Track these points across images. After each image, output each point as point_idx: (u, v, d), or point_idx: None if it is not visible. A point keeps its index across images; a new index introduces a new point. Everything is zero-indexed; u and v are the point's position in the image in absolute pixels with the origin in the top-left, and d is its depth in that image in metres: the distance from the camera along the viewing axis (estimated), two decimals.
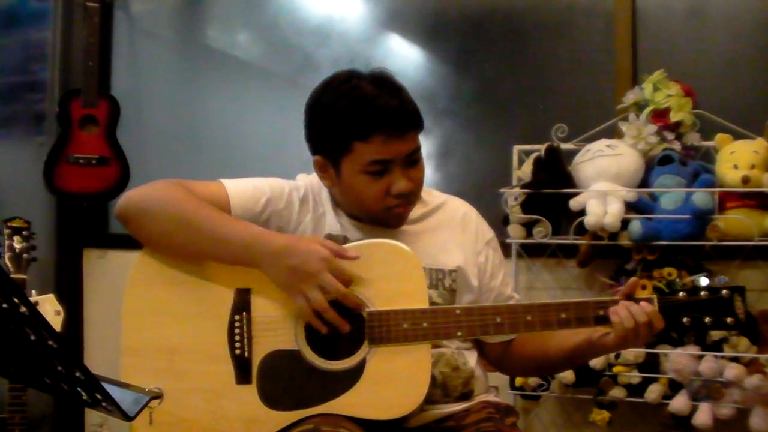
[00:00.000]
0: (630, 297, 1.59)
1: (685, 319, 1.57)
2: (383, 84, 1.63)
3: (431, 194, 1.81)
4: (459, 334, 1.59)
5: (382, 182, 1.62)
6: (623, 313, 1.55)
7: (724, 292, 1.58)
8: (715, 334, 2.25)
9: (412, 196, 1.67)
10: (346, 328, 1.55)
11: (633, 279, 1.63)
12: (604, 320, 1.58)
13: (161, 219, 1.61)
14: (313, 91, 1.68)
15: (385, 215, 1.67)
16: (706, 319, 1.57)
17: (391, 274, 1.58)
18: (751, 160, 2.27)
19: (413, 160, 1.65)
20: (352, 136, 1.59)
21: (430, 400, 1.61)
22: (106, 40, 3.22)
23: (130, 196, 1.65)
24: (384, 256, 1.59)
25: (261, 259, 1.57)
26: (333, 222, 1.71)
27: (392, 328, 1.56)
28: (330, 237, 1.68)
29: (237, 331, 1.60)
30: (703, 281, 1.62)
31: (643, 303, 1.56)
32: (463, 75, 2.97)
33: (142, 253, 1.66)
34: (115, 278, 1.71)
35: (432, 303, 1.63)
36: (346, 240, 1.68)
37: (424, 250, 1.66)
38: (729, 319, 1.57)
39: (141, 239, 1.66)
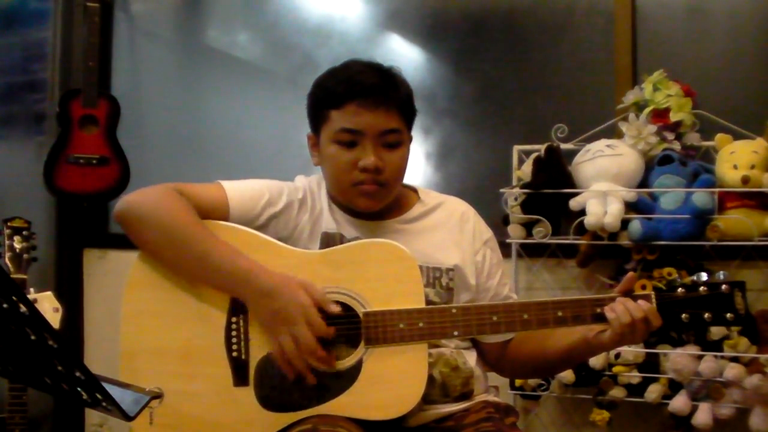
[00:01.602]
0: (627, 293, 1.59)
1: (684, 316, 1.56)
2: (374, 66, 1.69)
3: (429, 194, 1.82)
4: (455, 333, 1.59)
5: (351, 154, 1.65)
6: (619, 309, 1.54)
7: (723, 287, 1.56)
8: (715, 332, 2.24)
9: (380, 177, 1.66)
10: (312, 380, 1.55)
11: (630, 274, 1.61)
12: (601, 318, 1.57)
13: (154, 230, 1.61)
14: None
15: (353, 193, 1.67)
16: (706, 315, 1.55)
17: (387, 274, 1.58)
18: (751, 160, 2.27)
19: (390, 142, 1.66)
20: (329, 104, 1.66)
21: (429, 400, 1.62)
22: (106, 40, 3.22)
23: (128, 201, 1.66)
24: (380, 256, 1.59)
25: (245, 295, 1.58)
26: (329, 219, 1.72)
27: (388, 329, 1.56)
28: (326, 235, 1.69)
29: (234, 333, 1.60)
30: (703, 277, 1.60)
31: (640, 301, 1.56)
32: (463, 75, 2.97)
33: (141, 256, 1.66)
34: (115, 278, 1.71)
35: (429, 301, 1.63)
36: (342, 238, 1.68)
37: (421, 249, 1.67)
38: (729, 315, 1.55)
39: (136, 245, 1.66)
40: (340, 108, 1.64)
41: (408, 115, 1.70)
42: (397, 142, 1.67)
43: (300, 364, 1.54)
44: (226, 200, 1.67)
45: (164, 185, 1.66)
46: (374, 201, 1.69)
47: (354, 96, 1.63)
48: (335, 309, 1.55)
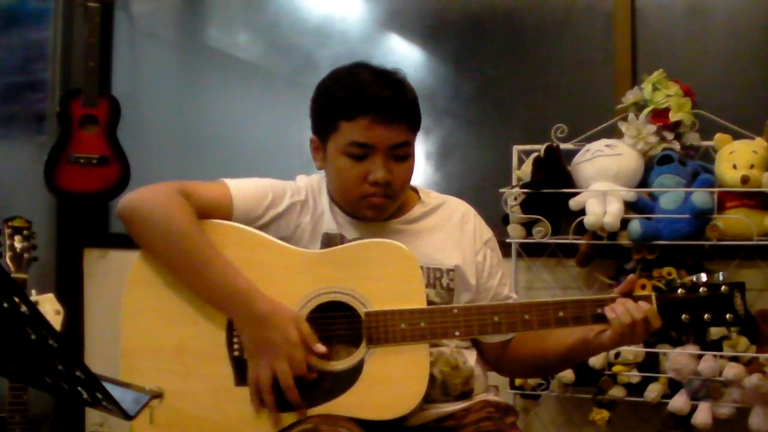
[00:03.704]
0: (628, 294, 1.59)
1: (684, 316, 1.56)
2: (383, 75, 1.66)
3: (430, 195, 1.82)
4: (457, 333, 1.60)
5: (361, 167, 1.63)
6: (620, 309, 1.55)
7: (723, 288, 1.57)
8: (715, 332, 2.25)
9: (389, 190, 1.65)
10: (275, 420, 1.55)
11: (631, 276, 1.62)
12: (601, 318, 1.58)
13: (155, 235, 1.62)
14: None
15: (361, 204, 1.67)
16: (706, 316, 1.56)
17: (388, 274, 1.58)
18: (751, 160, 2.27)
19: (399, 155, 1.65)
20: (340, 114, 1.63)
21: (429, 400, 1.62)
22: (107, 40, 3.22)
23: (130, 200, 1.66)
24: (381, 256, 1.59)
25: (236, 315, 1.59)
26: (330, 220, 1.72)
27: (390, 328, 1.56)
28: (327, 236, 1.69)
29: (235, 332, 1.60)
30: (703, 278, 1.60)
31: (640, 302, 1.57)
32: (463, 75, 2.97)
33: (142, 255, 1.66)
34: (116, 278, 1.71)
35: (429, 302, 1.63)
36: (343, 239, 1.68)
37: (422, 249, 1.67)
38: (728, 316, 1.56)
39: (138, 244, 1.67)
40: (352, 120, 1.62)
41: (416, 126, 1.70)
42: (406, 154, 1.67)
43: (269, 399, 1.55)
44: (230, 199, 1.67)
45: (168, 184, 1.65)
46: (381, 212, 1.70)
47: (367, 110, 1.61)
48: (321, 350, 1.56)
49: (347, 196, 1.68)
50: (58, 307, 2.10)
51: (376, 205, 1.67)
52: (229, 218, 1.66)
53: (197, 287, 1.61)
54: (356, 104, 1.62)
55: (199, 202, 1.64)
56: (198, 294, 1.61)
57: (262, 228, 1.67)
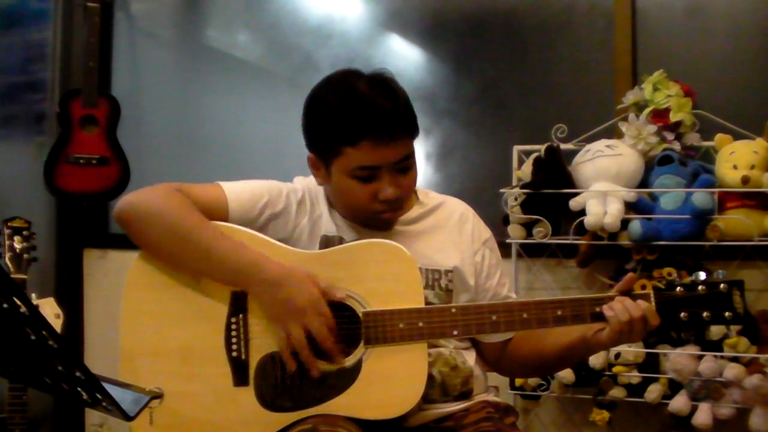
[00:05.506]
0: (626, 293, 1.59)
1: (682, 315, 1.56)
2: (378, 86, 1.62)
3: (428, 195, 1.81)
4: (455, 333, 1.59)
5: (370, 187, 1.63)
6: (618, 307, 1.55)
7: (722, 286, 1.56)
8: (715, 332, 2.25)
9: (399, 202, 1.66)
10: (315, 373, 1.55)
11: (629, 275, 1.62)
12: (599, 317, 1.57)
13: (157, 229, 1.61)
14: (314, 87, 1.69)
15: (373, 219, 1.68)
16: (704, 314, 1.56)
17: (386, 274, 1.58)
18: (751, 161, 2.27)
19: (404, 167, 1.64)
20: (342, 140, 1.60)
21: (429, 400, 1.62)
22: (107, 40, 3.23)
23: (128, 201, 1.66)
24: (380, 256, 1.59)
25: (252, 286, 1.58)
26: (329, 223, 1.71)
27: (388, 328, 1.56)
28: (326, 238, 1.69)
29: (234, 333, 1.60)
30: (701, 276, 1.60)
31: (639, 300, 1.57)
32: (463, 75, 2.97)
33: (140, 257, 1.66)
34: (115, 278, 1.71)
35: (428, 303, 1.62)
36: (342, 241, 1.68)
37: (420, 250, 1.67)
38: (727, 314, 1.56)
39: (138, 244, 1.66)
40: (355, 145, 1.58)
41: (415, 132, 1.68)
42: (410, 165, 1.66)
43: (307, 356, 1.54)
44: (225, 201, 1.66)
45: (164, 185, 1.66)
46: (394, 222, 1.70)
47: (368, 131, 1.57)
48: (341, 295, 1.56)
49: (356, 213, 1.69)
50: (58, 310, 2.11)
51: (389, 219, 1.68)
52: (225, 220, 1.66)
53: (206, 270, 1.60)
54: (358, 128, 1.58)
55: (195, 204, 1.64)
56: (208, 276, 1.61)
57: (259, 230, 1.67)
